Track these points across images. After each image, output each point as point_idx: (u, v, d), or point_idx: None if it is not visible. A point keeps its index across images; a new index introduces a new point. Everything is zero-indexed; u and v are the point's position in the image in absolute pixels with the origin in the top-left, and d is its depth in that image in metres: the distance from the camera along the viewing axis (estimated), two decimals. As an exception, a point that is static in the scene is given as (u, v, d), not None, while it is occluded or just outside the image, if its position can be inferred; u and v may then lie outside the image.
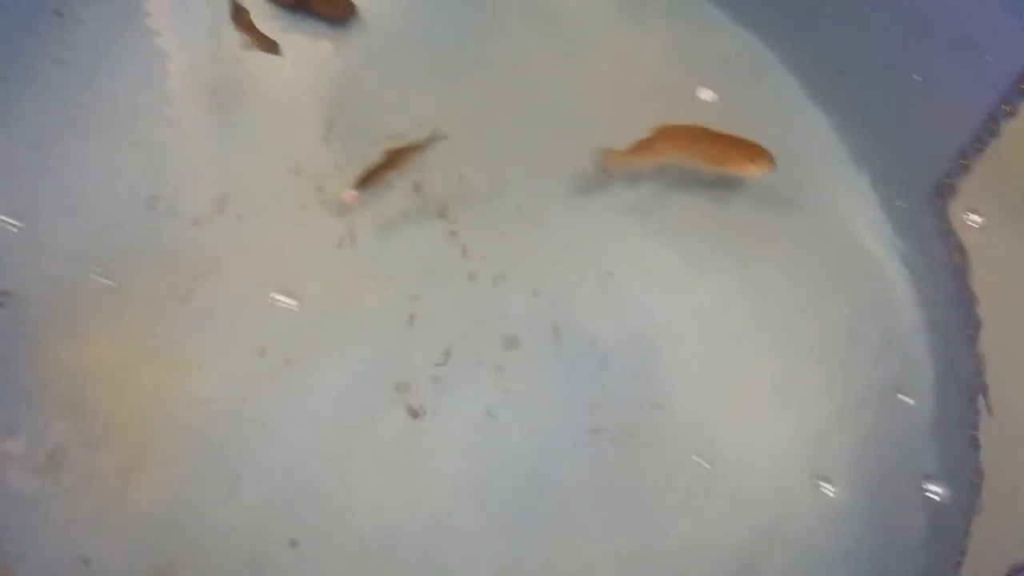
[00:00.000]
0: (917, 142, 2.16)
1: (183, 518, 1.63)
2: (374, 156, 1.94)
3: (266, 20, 2.12)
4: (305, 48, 2.18)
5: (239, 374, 1.76)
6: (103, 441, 1.66)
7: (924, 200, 2.08)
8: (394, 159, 1.94)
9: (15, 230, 1.81)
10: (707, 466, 1.79)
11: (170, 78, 2.08)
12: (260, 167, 1.99)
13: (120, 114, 2.00)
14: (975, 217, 2.02)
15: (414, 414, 1.77)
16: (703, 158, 2.07)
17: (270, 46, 2.01)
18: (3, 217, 1.82)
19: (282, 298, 1.84)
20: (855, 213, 2.14)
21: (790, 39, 2.34)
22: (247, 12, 2.02)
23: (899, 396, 1.90)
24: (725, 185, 2.13)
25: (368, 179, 1.91)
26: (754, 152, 2.02)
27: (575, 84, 2.26)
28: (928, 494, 1.78)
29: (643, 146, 2.06)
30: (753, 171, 2.03)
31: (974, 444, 1.81)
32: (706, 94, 2.23)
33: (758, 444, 1.84)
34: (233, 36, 2.05)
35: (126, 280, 1.81)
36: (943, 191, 2.06)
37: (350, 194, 1.93)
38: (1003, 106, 2.04)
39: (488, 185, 2.07)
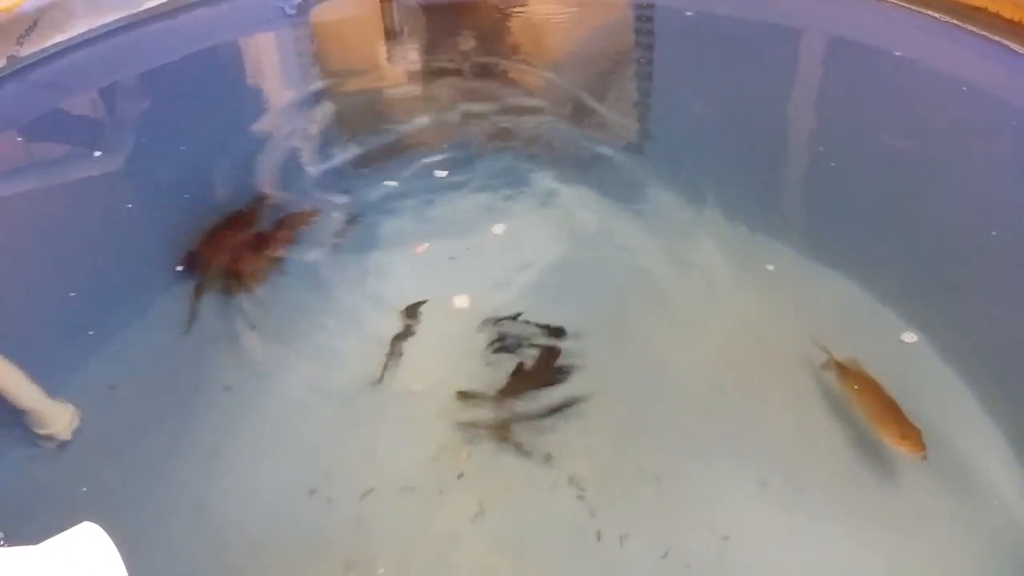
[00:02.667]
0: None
1: None
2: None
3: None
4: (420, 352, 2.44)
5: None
6: None
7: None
8: None
9: (199, 522, 2.05)
10: None
11: (323, 388, 2.35)
12: (402, 457, 2.20)
13: (281, 424, 2.28)
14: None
15: None
16: (863, 413, 2.18)
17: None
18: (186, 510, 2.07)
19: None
20: (988, 462, 2.13)
21: (904, 291, 2.47)
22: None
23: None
24: (849, 434, 2.19)
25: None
26: (906, 432, 2.08)
27: (691, 351, 2.43)
28: None
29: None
30: (901, 450, 2.08)
31: None
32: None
33: None
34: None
35: (291, 566, 1.99)
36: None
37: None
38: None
39: (614, 449, 2.19)
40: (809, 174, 2.91)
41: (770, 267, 2.63)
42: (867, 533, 2.02)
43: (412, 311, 2.51)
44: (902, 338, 2.39)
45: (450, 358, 2.41)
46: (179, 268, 2.55)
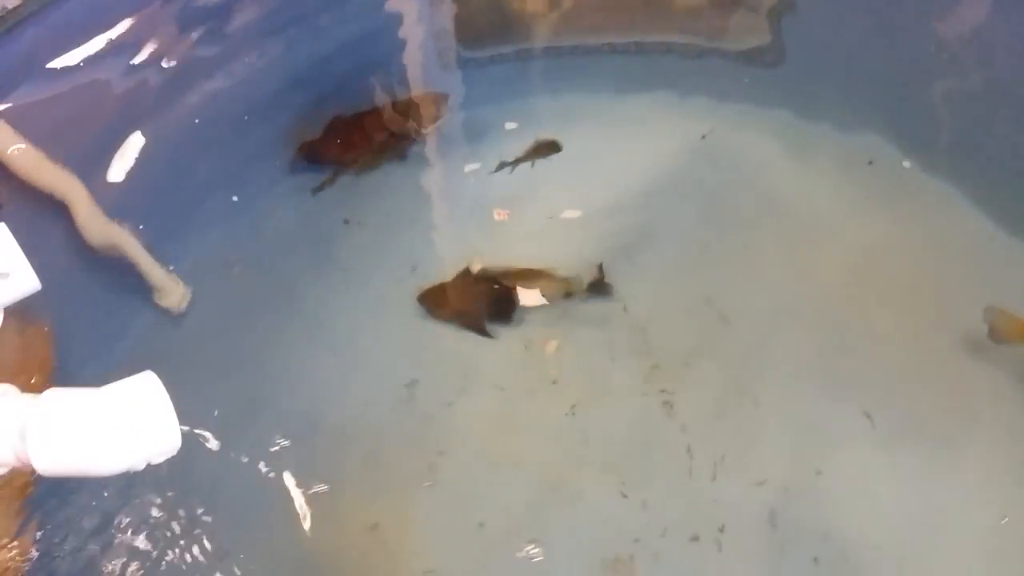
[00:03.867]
0: None
1: None
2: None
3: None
4: (535, 248, 2.41)
5: (464, 542, 1.94)
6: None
7: None
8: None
9: (294, 404, 2.14)
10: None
11: (433, 275, 2.36)
12: (497, 353, 2.22)
13: (389, 308, 2.31)
14: None
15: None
16: None
17: None
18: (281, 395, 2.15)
19: (509, 472, 2.03)
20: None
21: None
22: None
23: None
24: (969, 377, 2.08)
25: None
26: None
27: (803, 268, 2.32)
28: None
29: None
30: None
31: None
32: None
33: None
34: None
35: (381, 452, 2.07)
36: None
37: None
38: None
39: (712, 365, 2.16)
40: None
41: (906, 164, 2.46)
42: (977, 483, 1.95)
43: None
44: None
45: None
46: (298, 156, 2.54)
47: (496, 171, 2.51)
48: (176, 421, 1.17)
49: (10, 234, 1.23)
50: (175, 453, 1.20)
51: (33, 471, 1.15)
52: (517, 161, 2.52)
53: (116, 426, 1.12)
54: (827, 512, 1.93)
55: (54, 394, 1.15)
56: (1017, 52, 2.43)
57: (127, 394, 1.15)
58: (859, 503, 1.94)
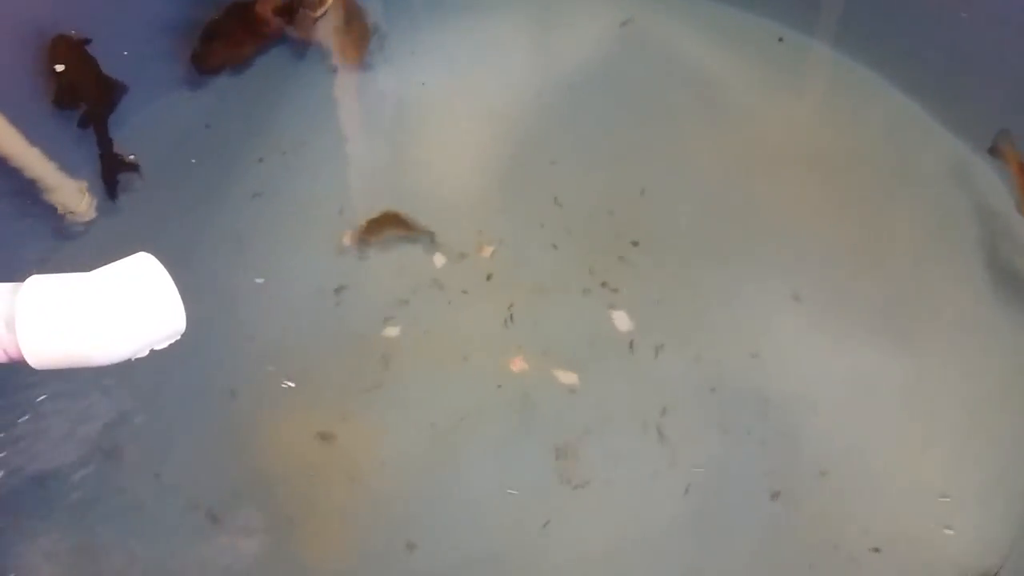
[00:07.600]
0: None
1: (361, 571, 1.81)
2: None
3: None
4: (459, 151, 2.33)
5: (415, 445, 1.91)
6: (293, 508, 1.85)
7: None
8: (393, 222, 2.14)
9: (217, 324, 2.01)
10: (872, 536, 1.81)
11: (353, 191, 2.27)
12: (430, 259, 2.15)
13: (307, 222, 2.20)
14: None
15: (575, 480, 1.86)
16: None
17: None
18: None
19: (453, 374, 1.99)
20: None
21: (955, 104, 2.29)
22: None
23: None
24: (883, 250, 2.14)
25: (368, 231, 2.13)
26: None
27: (730, 152, 2.30)
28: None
29: None
30: None
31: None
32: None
33: (923, 516, 1.83)
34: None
35: (318, 365, 1.99)
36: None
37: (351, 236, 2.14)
38: None
39: (648, 255, 2.14)
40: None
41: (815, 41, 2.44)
42: (909, 351, 2.01)
43: None
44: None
45: (482, 168, 2.31)
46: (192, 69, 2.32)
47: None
48: (180, 301, 1.05)
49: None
50: (179, 337, 1.08)
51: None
52: None
53: (113, 307, 0.99)
54: (766, 385, 1.98)
55: (40, 279, 1.01)
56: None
57: (123, 274, 1.02)
58: (796, 375, 2.00)
